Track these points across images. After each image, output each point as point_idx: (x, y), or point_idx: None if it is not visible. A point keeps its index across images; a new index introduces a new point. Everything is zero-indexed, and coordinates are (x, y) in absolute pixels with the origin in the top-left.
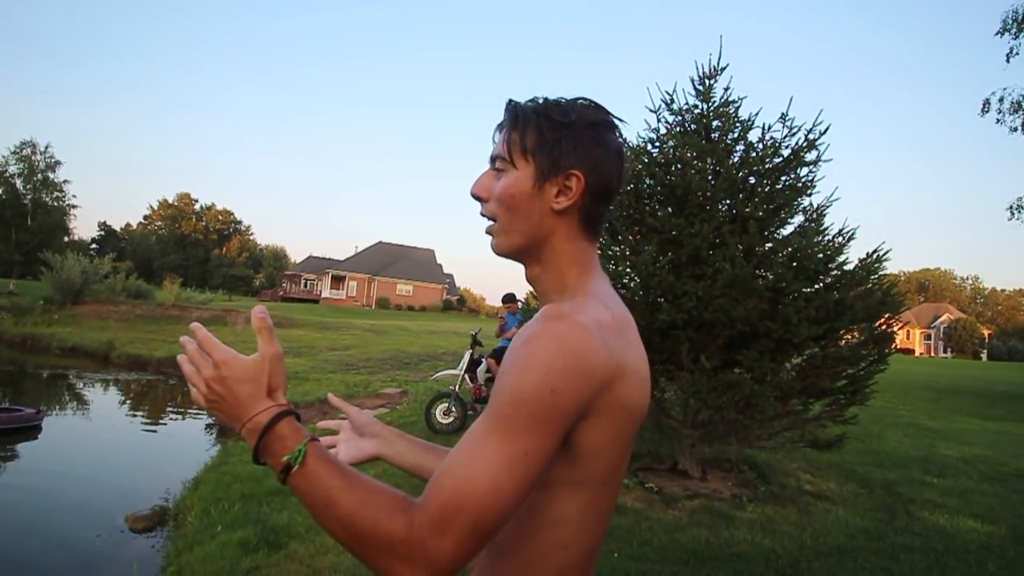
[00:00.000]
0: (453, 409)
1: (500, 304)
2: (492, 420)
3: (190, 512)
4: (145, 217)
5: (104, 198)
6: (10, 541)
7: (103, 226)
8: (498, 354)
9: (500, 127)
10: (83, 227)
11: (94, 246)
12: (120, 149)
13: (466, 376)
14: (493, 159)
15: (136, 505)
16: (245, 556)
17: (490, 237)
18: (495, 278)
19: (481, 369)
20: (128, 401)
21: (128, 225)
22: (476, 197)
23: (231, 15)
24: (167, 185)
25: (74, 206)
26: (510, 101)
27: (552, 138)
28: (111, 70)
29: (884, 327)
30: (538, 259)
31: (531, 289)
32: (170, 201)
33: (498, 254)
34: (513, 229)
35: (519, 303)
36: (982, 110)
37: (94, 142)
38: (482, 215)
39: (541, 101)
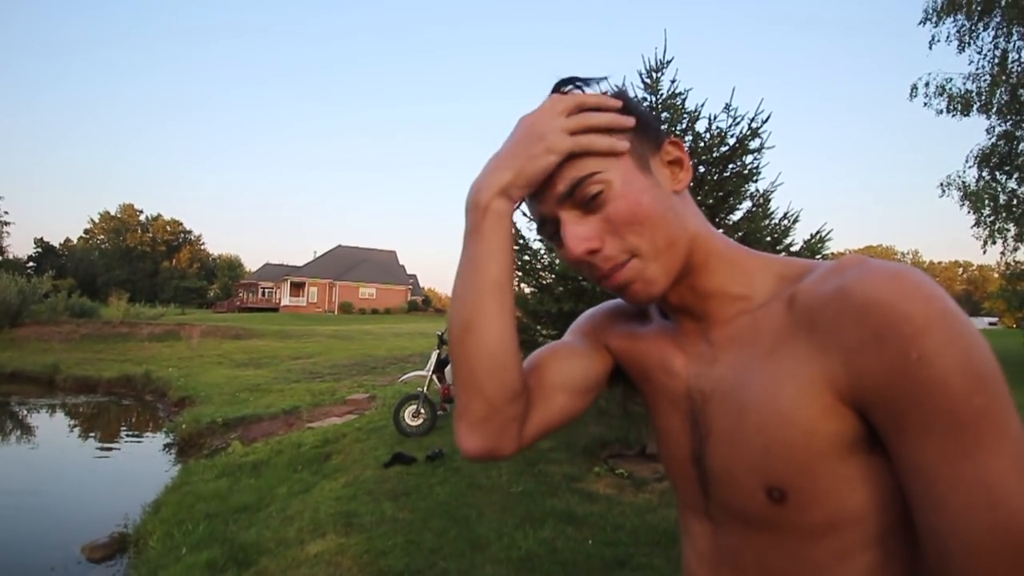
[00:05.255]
0: (422, 411)
1: None
2: None
3: (151, 536)
4: (86, 231)
5: (40, 213)
6: None
7: (40, 242)
8: None
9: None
10: (17, 244)
11: (31, 264)
12: (53, 161)
13: (434, 376)
14: (575, 185)
15: (93, 534)
16: None
17: (621, 287)
18: None
19: (449, 369)
20: (78, 426)
21: (68, 240)
22: (589, 253)
23: (175, 9)
24: (108, 197)
25: (7, 223)
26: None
27: (635, 107)
28: (35, 76)
29: None
30: (704, 267)
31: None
32: (112, 213)
33: (654, 298)
34: (663, 246)
35: None
36: (910, 94)
37: (24, 155)
38: (601, 277)
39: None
